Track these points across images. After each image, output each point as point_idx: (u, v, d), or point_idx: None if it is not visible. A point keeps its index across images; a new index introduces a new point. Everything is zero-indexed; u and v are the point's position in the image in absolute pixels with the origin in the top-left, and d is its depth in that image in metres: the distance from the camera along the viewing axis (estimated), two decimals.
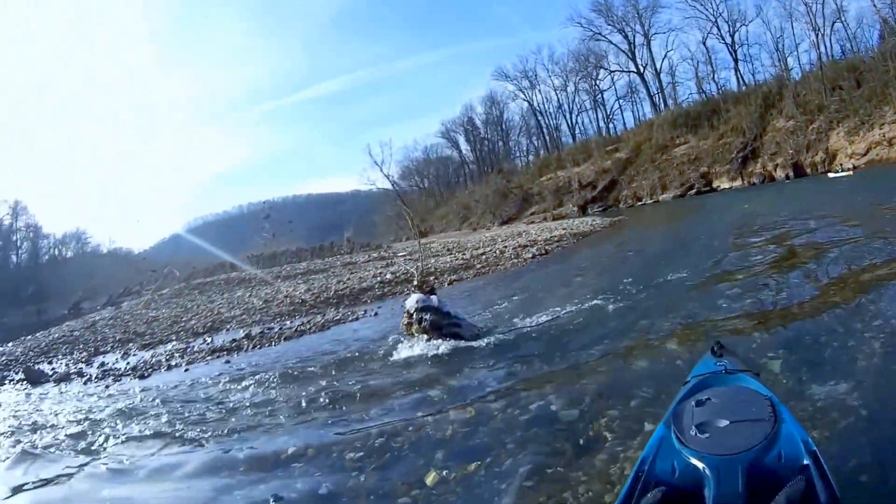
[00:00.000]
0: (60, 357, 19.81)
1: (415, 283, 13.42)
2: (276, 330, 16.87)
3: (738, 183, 59.29)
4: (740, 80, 71.71)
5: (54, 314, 53.47)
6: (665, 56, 79.56)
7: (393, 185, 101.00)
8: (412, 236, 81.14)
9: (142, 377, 12.78)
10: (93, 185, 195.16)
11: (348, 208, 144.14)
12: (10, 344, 26.78)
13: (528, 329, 10.25)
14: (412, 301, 10.44)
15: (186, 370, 12.80)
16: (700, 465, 2.83)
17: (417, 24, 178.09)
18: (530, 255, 25.42)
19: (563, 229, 38.79)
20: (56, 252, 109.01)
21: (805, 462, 2.75)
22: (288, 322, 18.32)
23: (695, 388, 3.67)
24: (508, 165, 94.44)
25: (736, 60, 71.77)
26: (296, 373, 9.95)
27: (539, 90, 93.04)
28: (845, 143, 52.21)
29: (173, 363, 14.20)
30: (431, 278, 21.35)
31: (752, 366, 4.55)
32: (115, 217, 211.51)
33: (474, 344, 9.58)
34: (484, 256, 27.67)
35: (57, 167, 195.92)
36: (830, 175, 47.77)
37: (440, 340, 9.78)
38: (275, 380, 9.51)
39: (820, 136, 54.67)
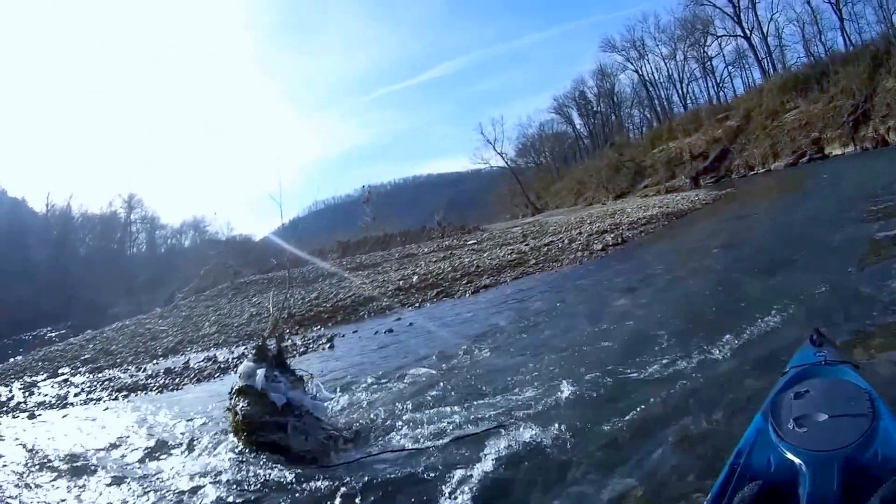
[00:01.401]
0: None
1: (266, 332, 9.90)
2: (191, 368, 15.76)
3: (850, 149, 56.97)
4: (847, 40, 69.27)
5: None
6: (771, 19, 77.51)
7: (506, 162, 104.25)
8: (527, 214, 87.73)
9: None
10: (211, 173, 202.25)
11: (469, 187, 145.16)
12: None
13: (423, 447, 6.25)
14: (240, 372, 7.33)
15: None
16: (796, 460, 2.86)
17: (526, 2, 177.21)
18: (600, 247, 23.02)
19: (659, 207, 36.57)
20: (173, 241, 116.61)
21: None
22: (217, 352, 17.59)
23: (793, 380, 3.71)
24: (621, 138, 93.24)
25: (841, 20, 69.09)
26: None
27: (647, 60, 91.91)
28: None
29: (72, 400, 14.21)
30: (465, 281, 20.86)
31: (851, 356, 4.52)
32: (238, 205, 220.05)
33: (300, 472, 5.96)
34: (547, 248, 25.18)
35: (177, 159, 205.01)
36: None
37: (253, 453, 6.44)
38: None
39: None
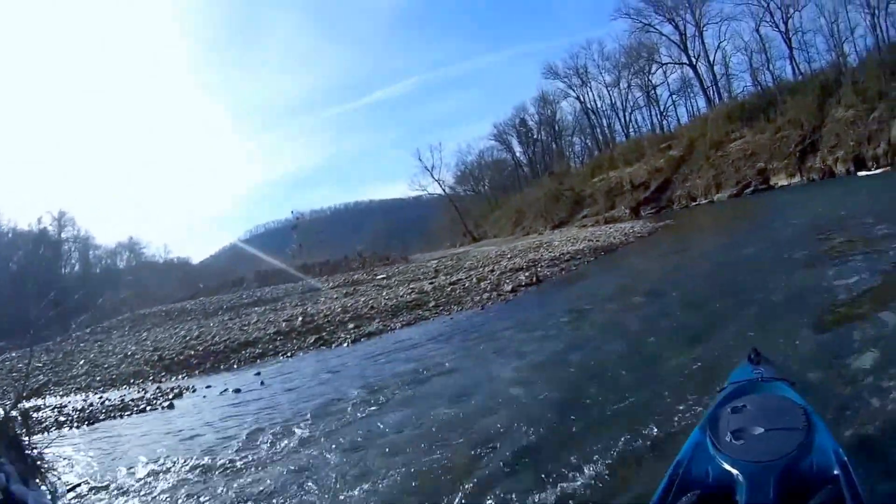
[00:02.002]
0: None
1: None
2: None
3: (796, 179, 55.27)
4: (796, 68, 68.03)
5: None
6: (718, 47, 76.36)
7: (444, 189, 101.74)
8: (465, 242, 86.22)
9: None
10: (149, 195, 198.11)
11: (412, 213, 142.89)
12: None
13: None
14: None
15: None
16: (734, 470, 3.03)
17: (476, 27, 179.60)
18: (510, 288, 21.47)
19: (589, 241, 35.23)
20: (108, 262, 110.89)
21: (836, 472, 2.89)
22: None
23: (731, 396, 3.95)
24: (560, 167, 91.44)
25: (791, 48, 67.98)
26: None
27: (590, 88, 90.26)
28: None
29: None
30: (352, 326, 19.49)
31: (788, 374, 4.72)
32: (176, 227, 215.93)
33: None
34: (452, 288, 23.85)
35: (111, 178, 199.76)
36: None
37: None
38: None
39: (881, 126, 49.82)
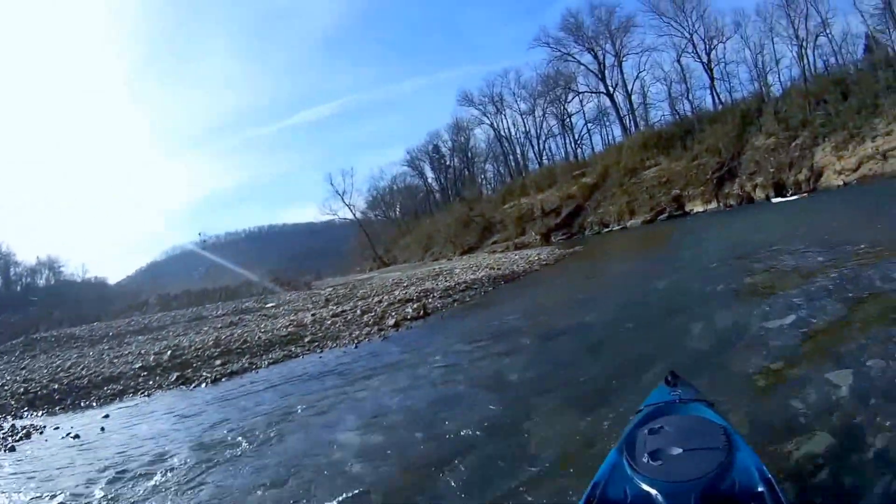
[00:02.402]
0: None
1: None
2: None
3: (713, 205, 54.28)
4: (716, 98, 66.93)
5: None
6: (637, 77, 74.94)
7: (354, 214, 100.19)
8: (375, 267, 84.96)
9: None
10: (69, 214, 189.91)
11: (327, 237, 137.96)
12: None
13: None
14: None
15: None
16: (653, 491, 2.81)
17: (400, 53, 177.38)
18: (393, 322, 18.79)
19: (490, 269, 32.51)
20: (28, 280, 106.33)
21: (759, 490, 2.76)
22: None
23: (648, 417, 3.67)
24: (472, 193, 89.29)
25: (712, 79, 66.86)
26: None
27: (505, 115, 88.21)
28: (833, 158, 46.80)
29: None
30: (220, 362, 17.09)
31: (706, 395, 4.41)
32: (96, 246, 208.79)
33: None
34: (333, 321, 20.94)
35: (31, 193, 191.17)
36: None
37: None
38: None
39: (804, 153, 49.33)
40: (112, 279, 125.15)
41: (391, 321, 18.87)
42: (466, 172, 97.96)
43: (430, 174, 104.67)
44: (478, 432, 6.99)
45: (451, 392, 9.59)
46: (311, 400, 10.93)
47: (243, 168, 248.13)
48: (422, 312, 19.96)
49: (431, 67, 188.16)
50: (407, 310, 20.60)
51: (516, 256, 41.40)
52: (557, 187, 71.32)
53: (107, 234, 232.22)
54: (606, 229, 61.77)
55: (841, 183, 44.44)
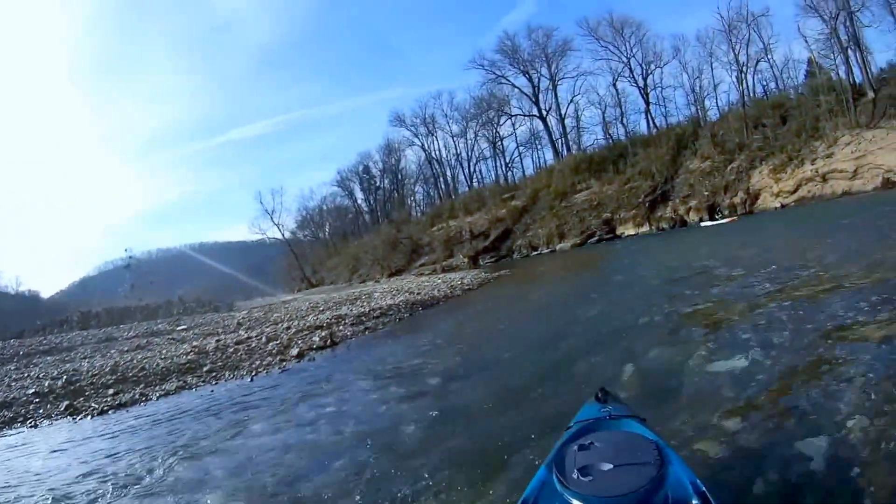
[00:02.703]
0: None
1: None
2: None
3: (645, 229, 52.40)
4: (651, 122, 65.53)
5: None
6: (571, 100, 72.85)
7: (283, 234, 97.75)
8: (303, 288, 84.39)
9: None
10: (4, 225, 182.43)
11: (260, 255, 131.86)
12: None
13: None
14: None
15: None
16: None
17: (337, 73, 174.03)
18: (296, 351, 16.78)
19: (409, 293, 30.94)
20: None
21: (693, 502, 2.73)
22: None
23: (578, 434, 3.59)
24: (401, 215, 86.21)
25: (648, 103, 65.44)
26: None
27: (436, 137, 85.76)
28: (770, 181, 45.77)
29: None
30: (113, 392, 15.19)
31: (637, 411, 4.17)
32: (30, 259, 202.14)
33: None
34: (236, 348, 18.88)
35: None
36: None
37: None
38: None
39: (740, 176, 48.32)
40: (46, 293, 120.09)
41: (295, 351, 17.15)
42: (396, 194, 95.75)
43: (359, 195, 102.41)
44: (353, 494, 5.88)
45: (332, 446, 7.95)
46: (182, 444, 9.38)
47: (180, 183, 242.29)
48: (329, 341, 18.25)
49: (368, 88, 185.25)
50: (314, 338, 18.91)
51: (439, 280, 39.46)
52: (486, 210, 69.45)
53: (43, 247, 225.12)
54: (535, 252, 59.73)
55: (778, 205, 43.71)
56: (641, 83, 65.63)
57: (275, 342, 19.10)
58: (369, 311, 24.60)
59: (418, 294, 29.87)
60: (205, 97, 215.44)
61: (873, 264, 11.49)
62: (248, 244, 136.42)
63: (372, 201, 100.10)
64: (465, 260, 64.05)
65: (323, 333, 19.48)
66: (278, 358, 16.70)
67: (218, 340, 21.48)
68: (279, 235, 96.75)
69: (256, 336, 21.15)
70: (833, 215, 26.56)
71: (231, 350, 18.75)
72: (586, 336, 11.57)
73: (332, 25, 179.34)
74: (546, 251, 58.48)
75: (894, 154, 37.72)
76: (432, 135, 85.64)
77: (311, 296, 53.19)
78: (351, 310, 26.03)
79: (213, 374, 15.88)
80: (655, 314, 11.83)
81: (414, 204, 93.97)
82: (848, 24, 47.20)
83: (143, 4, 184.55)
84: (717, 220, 45.93)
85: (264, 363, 16.26)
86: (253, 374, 14.94)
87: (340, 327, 20.94)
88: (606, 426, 3.65)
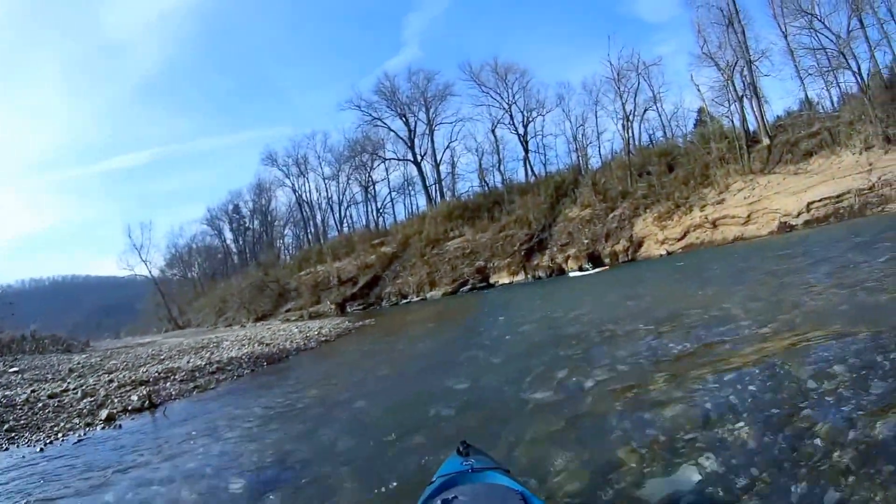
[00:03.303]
0: None
1: None
2: None
3: (520, 277, 48.38)
4: (530, 170, 62.39)
5: None
6: (448, 146, 69.48)
7: (149, 270, 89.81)
8: (169, 329, 77.84)
9: None
10: None
11: (132, 292, 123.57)
12: None
13: None
14: None
15: None
16: None
17: (218, 106, 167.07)
18: (105, 415, 12.90)
19: (259, 344, 27.00)
20: None
21: None
22: None
23: (441, 488, 3.37)
24: (268, 257, 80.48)
25: (527, 151, 62.42)
26: None
27: (308, 178, 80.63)
28: (654, 228, 43.05)
29: None
30: None
31: (501, 463, 4.01)
32: None
33: None
34: (45, 403, 15.03)
35: None
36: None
37: None
38: None
39: (622, 224, 45.40)
40: None
41: (104, 413, 13.52)
42: (265, 236, 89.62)
43: (228, 235, 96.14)
44: None
45: None
46: None
47: (59, 210, 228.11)
48: (147, 402, 14.71)
49: (249, 125, 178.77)
50: (133, 397, 15.31)
51: (296, 330, 35.06)
52: (355, 256, 64.99)
53: None
54: (405, 300, 55.03)
55: (664, 252, 40.86)
56: (521, 130, 62.52)
57: (90, 398, 15.61)
58: (207, 364, 21.03)
59: (269, 345, 26.39)
60: (87, 122, 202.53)
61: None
62: (121, 279, 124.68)
63: (241, 242, 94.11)
64: (333, 307, 59.08)
65: (144, 391, 15.75)
66: (86, 420, 13.39)
67: (33, 391, 17.36)
68: (146, 272, 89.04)
69: (74, 389, 17.30)
70: (727, 259, 25.27)
71: (41, 404, 15.20)
72: (447, 416, 8.50)
73: (218, 58, 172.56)
74: (416, 299, 53.93)
75: (791, 198, 35.15)
76: (304, 176, 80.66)
77: (168, 339, 47.95)
78: (189, 361, 22.47)
79: (12, 433, 12.60)
80: (524, 379, 9.49)
81: (283, 247, 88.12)
82: (745, 72, 45.38)
83: (34, 13, 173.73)
84: (585, 270, 42.69)
85: (68, 425, 12.95)
86: (49, 440, 11.62)
87: (168, 384, 17.29)
88: (469, 479, 3.36)
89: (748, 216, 37.41)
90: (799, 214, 33.87)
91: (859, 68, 38.72)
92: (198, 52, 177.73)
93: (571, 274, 42.74)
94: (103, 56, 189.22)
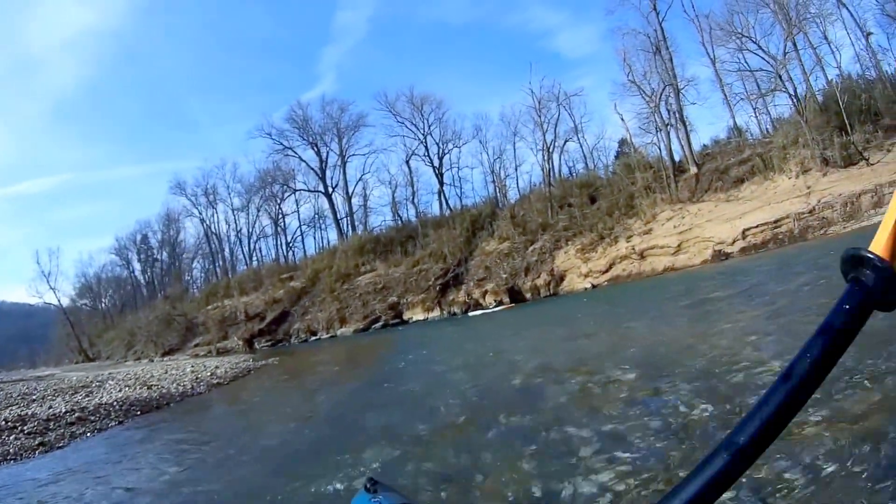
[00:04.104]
0: None
1: None
2: None
3: (435, 313, 44.12)
4: (444, 203, 58.81)
5: None
6: (360, 179, 65.85)
7: (58, 299, 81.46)
8: (80, 360, 71.24)
9: None
10: None
11: (43, 322, 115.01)
12: None
13: None
14: None
15: None
16: None
17: (131, 134, 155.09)
18: None
19: (144, 386, 23.36)
20: None
21: None
22: None
23: None
24: (176, 290, 74.21)
25: (441, 183, 58.95)
26: None
27: (216, 210, 75.37)
28: (577, 261, 39.84)
29: None
30: None
31: (411, 499, 4.02)
32: None
33: None
34: None
35: None
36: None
37: None
38: None
39: (543, 257, 41.85)
40: None
41: None
42: (174, 268, 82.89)
43: (137, 266, 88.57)
44: None
45: None
46: None
47: None
48: None
49: (161, 156, 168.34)
50: None
51: (189, 369, 30.57)
52: (263, 290, 60.49)
53: None
54: (314, 337, 50.34)
55: (589, 286, 37.49)
56: (437, 162, 59.02)
57: None
58: (68, 411, 18.05)
59: (153, 388, 22.68)
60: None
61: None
62: (37, 308, 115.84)
63: (149, 274, 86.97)
64: (240, 343, 54.17)
65: None
66: None
67: None
68: (55, 301, 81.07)
69: None
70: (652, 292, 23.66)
71: None
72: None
73: (133, 83, 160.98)
74: (326, 336, 49.27)
75: (725, 225, 32.69)
76: (213, 207, 75.17)
77: (69, 372, 43.04)
78: (53, 407, 19.33)
79: None
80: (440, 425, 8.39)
81: (191, 280, 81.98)
82: (672, 101, 43.10)
83: None
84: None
85: None
86: None
87: (11, 437, 14.46)
88: None
89: (678, 245, 34.53)
90: (734, 242, 31.42)
91: (795, 91, 37.03)
92: (113, 75, 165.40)
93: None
94: (19, 71, 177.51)
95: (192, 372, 27.60)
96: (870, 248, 0.77)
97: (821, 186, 29.76)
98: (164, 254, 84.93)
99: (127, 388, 22.78)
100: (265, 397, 18.90)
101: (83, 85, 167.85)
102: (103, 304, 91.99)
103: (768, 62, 38.16)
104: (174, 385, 23.01)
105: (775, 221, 29.84)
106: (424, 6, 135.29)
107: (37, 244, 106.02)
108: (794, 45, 36.98)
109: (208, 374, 26.32)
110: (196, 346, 58.60)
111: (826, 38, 37.96)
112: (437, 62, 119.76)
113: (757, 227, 30.43)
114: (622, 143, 51.09)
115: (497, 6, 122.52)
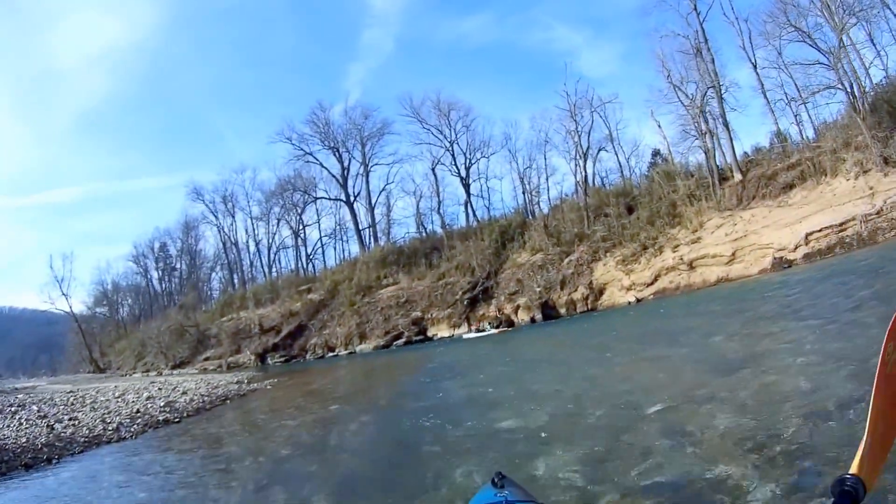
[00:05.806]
0: None
1: None
2: None
3: (463, 330, 41.42)
4: (472, 214, 56.03)
5: None
6: (383, 188, 63.24)
7: (70, 306, 77.22)
8: (91, 371, 69.32)
9: None
10: None
11: (62, 329, 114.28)
12: None
13: None
14: None
15: None
16: None
17: (155, 145, 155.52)
18: None
19: (130, 407, 19.80)
20: None
21: None
22: None
23: None
24: (192, 300, 72.27)
25: (469, 194, 56.50)
26: None
27: (235, 218, 72.83)
28: (619, 273, 37.67)
29: None
30: None
31: (536, 496, 3.49)
32: None
33: None
34: None
35: None
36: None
37: None
38: None
39: (580, 269, 39.45)
40: None
41: None
42: (190, 277, 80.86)
43: (154, 274, 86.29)
44: None
45: None
46: None
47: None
48: None
49: (184, 168, 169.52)
50: None
51: (193, 385, 28.33)
52: (280, 302, 57.94)
53: None
54: (332, 354, 47.82)
55: (633, 299, 35.25)
56: (464, 172, 56.64)
57: None
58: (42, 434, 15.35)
59: (140, 410, 18.97)
60: (28, 150, 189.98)
61: None
62: (57, 315, 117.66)
63: (167, 283, 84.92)
64: (253, 357, 51.95)
65: None
66: None
67: None
68: (67, 308, 76.88)
69: None
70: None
71: None
72: None
73: (159, 97, 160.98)
74: (344, 353, 46.75)
75: (784, 230, 30.44)
76: (232, 216, 72.73)
77: (55, 385, 41.81)
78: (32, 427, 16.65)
79: None
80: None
81: (209, 290, 79.70)
82: (716, 104, 40.86)
83: None
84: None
85: None
86: None
87: None
88: None
89: (733, 254, 32.52)
90: (796, 248, 29.13)
91: (852, 87, 35.00)
92: (139, 88, 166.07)
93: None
94: (46, 81, 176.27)
95: (148, 399, 22.21)
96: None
97: (884, 187, 27.90)
98: (183, 263, 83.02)
99: (109, 411, 19.08)
100: (260, 429, 14.06)
101: (108, 97, 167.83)
102: (120, 313, 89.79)
103: (825, 55, 36.14)
104: (162, 413, 18.44)
105: (840, 224, 27.86)
106: (448, 25, 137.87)
107: (59, 253, 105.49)
108: (841, 42, 35.28)
109: (197, 396, 22.40)
110: (206, 359, 57.10)
111: (871, 38, 36.32)
112: (462, 78, 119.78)
113: (821, 230, 28.44)
114: (655, 153, 49.64)
115: (519, 26, 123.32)
